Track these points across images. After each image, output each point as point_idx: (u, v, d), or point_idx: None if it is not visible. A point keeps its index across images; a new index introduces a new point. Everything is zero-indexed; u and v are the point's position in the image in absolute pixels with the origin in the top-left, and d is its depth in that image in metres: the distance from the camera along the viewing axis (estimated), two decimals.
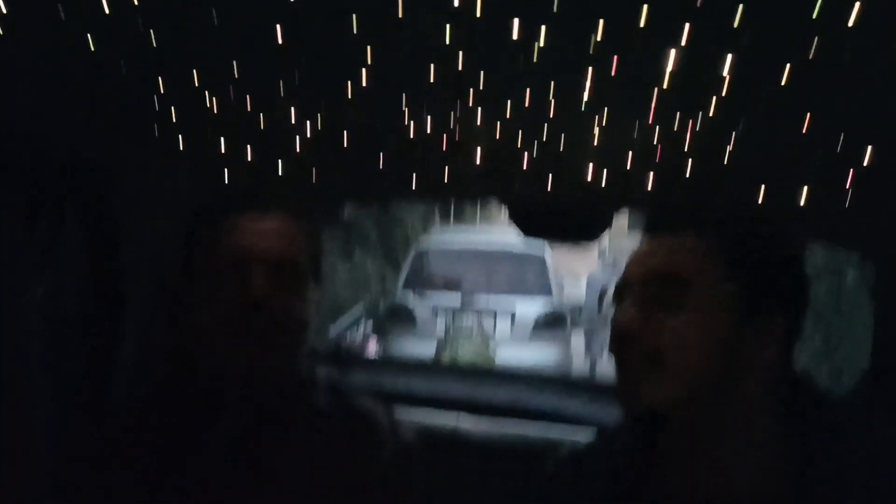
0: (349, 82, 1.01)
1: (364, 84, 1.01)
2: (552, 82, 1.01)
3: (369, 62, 0.95)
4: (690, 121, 1.05)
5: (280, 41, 0.95)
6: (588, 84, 0.96)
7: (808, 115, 1.02)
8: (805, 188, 1.16)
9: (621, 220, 1.52)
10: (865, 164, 1.06)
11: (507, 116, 1.10)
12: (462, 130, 1.15)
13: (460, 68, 0.94)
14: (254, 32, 0.95)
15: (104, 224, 1.33)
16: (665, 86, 0.94)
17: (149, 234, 1.37)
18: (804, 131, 1.02)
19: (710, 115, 1.00)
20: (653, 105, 0.99)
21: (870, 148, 1.05)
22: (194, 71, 1.01)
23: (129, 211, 1.35)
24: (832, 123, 1.04)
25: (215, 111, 1.08)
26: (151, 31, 0.94)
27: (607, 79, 0.97)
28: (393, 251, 9.02)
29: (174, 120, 1.11)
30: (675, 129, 1.05)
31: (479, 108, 1.08)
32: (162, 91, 1.05)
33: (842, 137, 1.04)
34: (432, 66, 0.95)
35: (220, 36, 0.96)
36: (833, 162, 1.09)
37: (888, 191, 1.15)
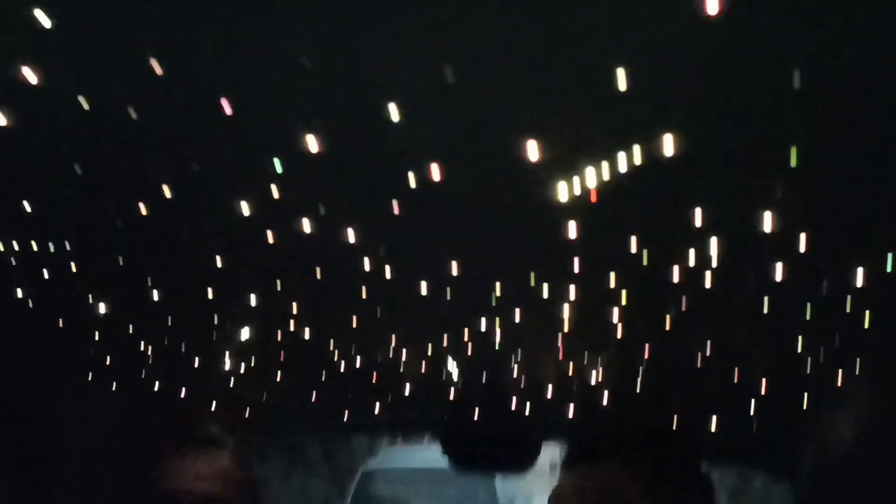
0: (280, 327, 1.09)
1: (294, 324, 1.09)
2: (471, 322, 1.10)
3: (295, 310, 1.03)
4: (599, 357, 1.14)
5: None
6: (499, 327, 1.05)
7: (706, 346, 1.12)
8: (714, 415, 1.23)
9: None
10: (763, 393, 1.15)
11: (432, 353, 1.17)
12: (391, 367, 1.21)
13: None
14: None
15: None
16: (567, 328, 1.03)
17: (83, 469, 1.35)
18: (701, 363, 1.11)
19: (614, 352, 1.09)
20: (561, 343, 1.08)
21: (764, 380, 1.14)
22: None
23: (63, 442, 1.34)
24: (728, 357, 1.14)
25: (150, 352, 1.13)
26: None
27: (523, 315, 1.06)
28: (337, 473, 8.68)
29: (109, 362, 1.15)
30: (586, 363, 1.14)
31: (405, 348, 1.15)
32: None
33: (737, 370, 1.13)
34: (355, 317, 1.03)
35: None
36: (734, 391, 1.17)
37: (789, 415, 1.22)
